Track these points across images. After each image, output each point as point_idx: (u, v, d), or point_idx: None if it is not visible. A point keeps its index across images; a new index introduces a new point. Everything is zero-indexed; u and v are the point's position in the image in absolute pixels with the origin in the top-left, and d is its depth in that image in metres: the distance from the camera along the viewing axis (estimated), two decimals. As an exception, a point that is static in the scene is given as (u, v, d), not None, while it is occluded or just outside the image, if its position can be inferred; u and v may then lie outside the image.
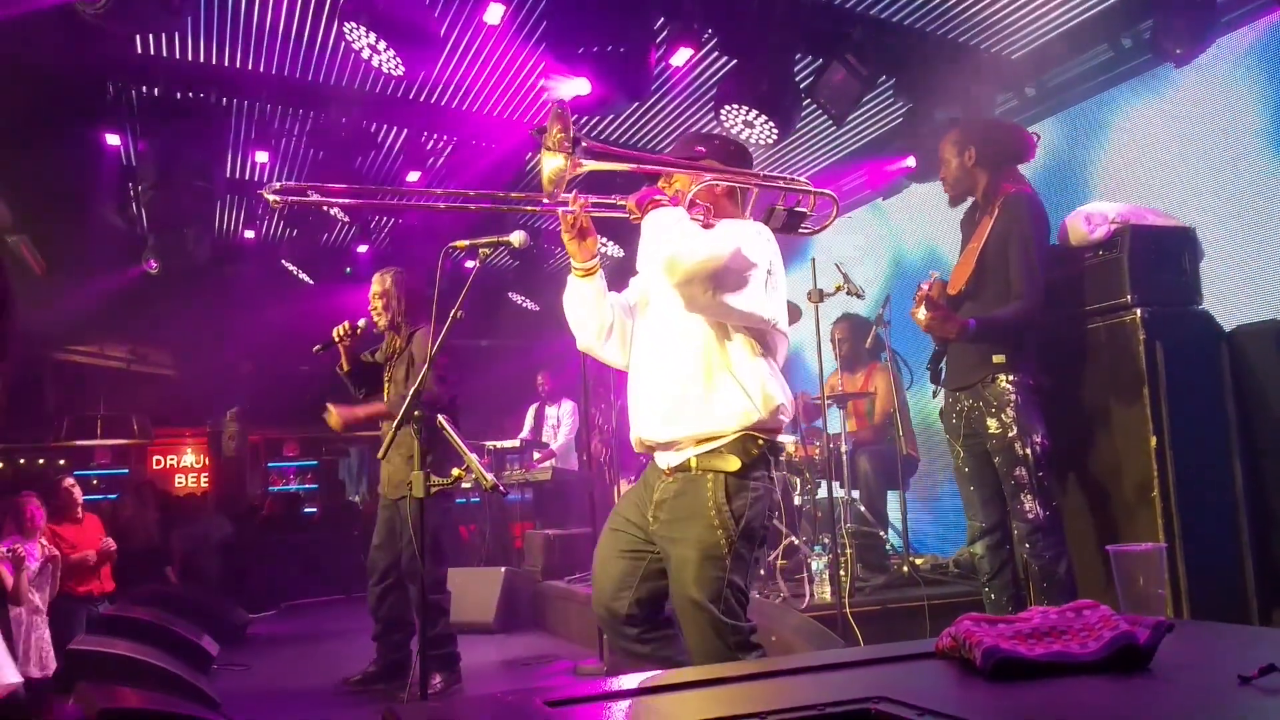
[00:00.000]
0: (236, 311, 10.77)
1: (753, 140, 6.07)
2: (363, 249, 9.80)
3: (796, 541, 5.71)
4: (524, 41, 6.21)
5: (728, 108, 5.91)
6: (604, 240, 7.97)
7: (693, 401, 2.64)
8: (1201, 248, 4.19)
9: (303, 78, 6.78)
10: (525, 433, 9.09)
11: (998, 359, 3.79)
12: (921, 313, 3.74)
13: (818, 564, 5.09)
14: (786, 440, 5.85)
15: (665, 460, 2.73)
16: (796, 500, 6.10)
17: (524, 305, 10.32)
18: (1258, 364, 4.00)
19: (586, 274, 2.81)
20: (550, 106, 2.57)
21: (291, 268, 9.65)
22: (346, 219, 8.71)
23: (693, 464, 2.65)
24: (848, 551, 5.21)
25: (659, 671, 2.40)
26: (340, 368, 5.17)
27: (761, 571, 5.38)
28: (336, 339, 5.03)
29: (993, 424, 3.79)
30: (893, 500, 5.92)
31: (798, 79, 6.07)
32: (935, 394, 4.22)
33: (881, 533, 5.75)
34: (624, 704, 1.56)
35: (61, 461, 13.13)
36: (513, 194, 3.02)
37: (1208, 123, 5.53)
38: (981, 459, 3.92)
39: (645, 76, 5.57)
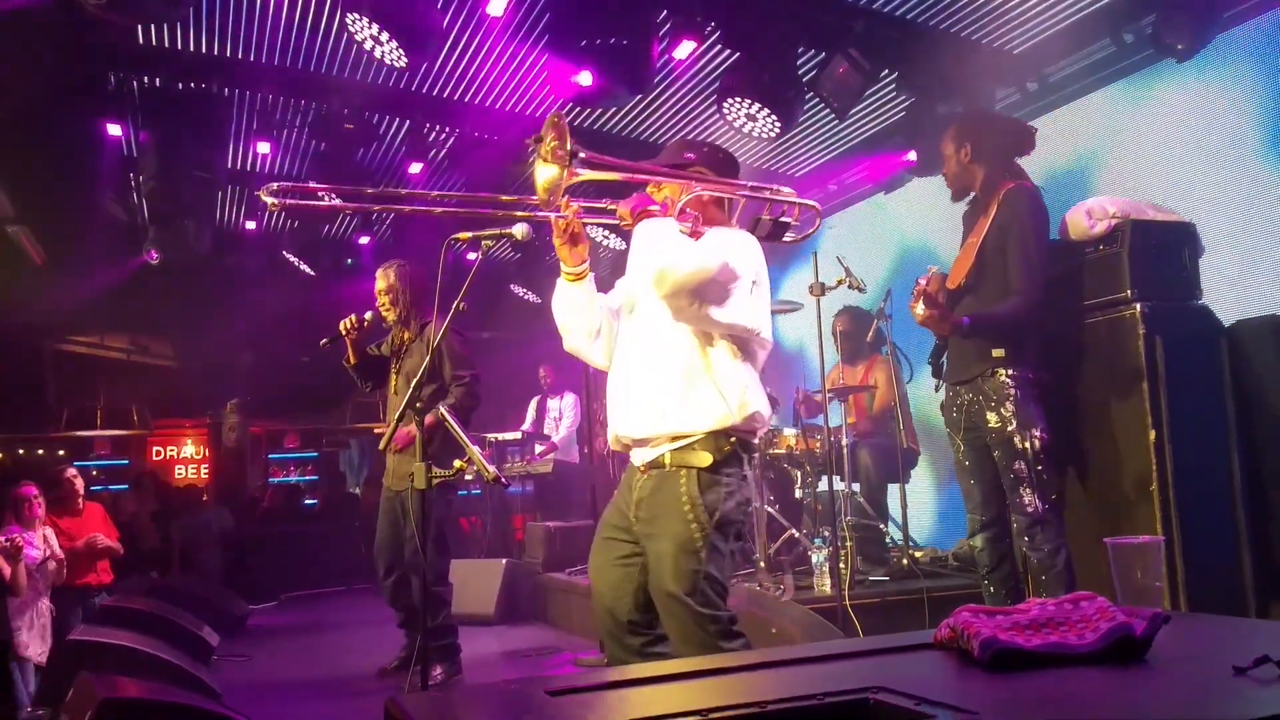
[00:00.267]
0: (237, 302, 10.78)
1: (755, 134, 6.07)
2: (364, 240, 9.80)
3: (797, 534, 5.73)
4: (527, 33, 6.21)
5: (730, 101, 5.91)
6: (606, 233, 8.00)
7: (671, 402, 2.71)
8: (1202, 243, 4.20)
9: (305, 69, 6.78)
10: (527, 425, 9.10)
11: (997, 353, 3.80)
12: (920, 307, 3.75)
13: (818, 557, 5.11)
14: (788, 433, 5.92)
15: (640, 457, 2.80)
16: (797, 493, 6.12)
17: (526, 298, 10.32)
18: (1257, 359, 4.01)
19: (577, 278, 2.87)
20: (547, 115, 2.59)
21: (293, 259, 9.65)
22: (348, 210, 8.72)
23: (667, 460, 2.72)
24: (848, 544, 5.23)
25: (660, 663, 2.42)
26: (346, 361, 5.18)
27: (762, 565, 5.40)
28: (343, 332, 5.03)
29: (992, 418, 3.80)
30: (893, 493, 5.93)
31: (800, 72, 6.07)
32: (937, 388, 4.23)
33: (881, 526, 5.76)
34: (624, 694, 1.58)
35: (61, 452, 13.14)
36: (503, 197, 3.05)
37: (1209, 118, 5.52)
38: (981, 453, 3.93)
39: (648, 69, 5.57)
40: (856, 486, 5.87)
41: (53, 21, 5.42)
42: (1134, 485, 3.91)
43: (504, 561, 7.33)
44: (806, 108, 6.45)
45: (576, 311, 2.90)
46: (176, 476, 13.93)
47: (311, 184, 3.53)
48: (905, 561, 5.40)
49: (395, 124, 7.66)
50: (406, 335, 5.17)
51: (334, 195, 3.07)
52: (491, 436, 8.55)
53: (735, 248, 2.69)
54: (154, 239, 8.54)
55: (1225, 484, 3.96)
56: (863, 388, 6.14)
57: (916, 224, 7.67)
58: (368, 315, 5.08)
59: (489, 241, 3.12)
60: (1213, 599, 3.79)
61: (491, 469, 3.20)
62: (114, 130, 7.17)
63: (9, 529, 5.70)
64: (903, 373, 5.93)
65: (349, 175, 7.48)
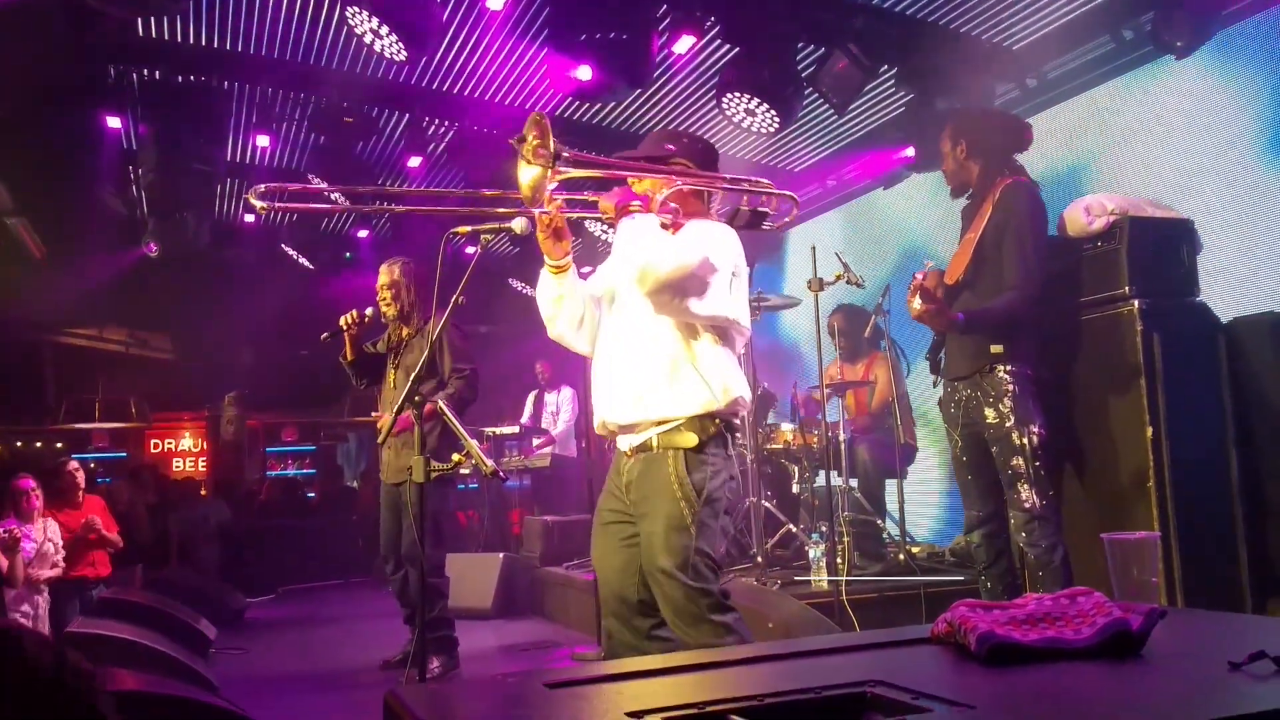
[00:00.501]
0: (236, 295, 10.76)
1: (754, 129, 6.07)
2: (363, 234, 9.80)
3: (794, 529, 5.74)
4: (526, 27, 6.21)
5: (729, 96, 5.91)
6: (605, 228, 7.99)
7: (657, 390, 2.80)
8: (1200, 239, 4.20)
9: (304, 62, 6.78)
10: (524, 419, 9.11)
11: (995, 349, 3.80)
12: (917, 302, 3.75)
13: (815, 552, 5.11)
14: (786, 429, 5.93)
15: (627, 442, 2.89)
16: (795, 489, 6.12)
17: (524, 291, 10.32)
18: (1254, 356, 4.01)
19: (560, 270, 2.93)
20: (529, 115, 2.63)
21: (292, 252, 9.65)
22: (337, 211, 8.72)
23: (653, 443, 2.81)
24: (845, 539, 5.23)
25: (657, 656, 2.43)
26: (344, 357, 5.18)
27: (759, 559, 5.41)
28: (344, 327, 5.03)
29: (990, 414, 3.80)
30: (890, 489, 5.94)
31: (800, 68, 6.06)
32: (936, 384, 4.23)
33: (879, 521, 5.77)
34: (622, 686, 1.58)
35: (59, 444, 13.12)
36: (486, 192, 3.10)
37: (1208, 115, 5.52)
38: (979, 448, 3.94)
39: (647, 64, 5.57)
40: (854, 482, 5.88)
41: (53, 14, 5.41)
42: (1131, 481, 3.91)
43: (501, 556, 7.33)
44: (806, 103, 6.45)
45: (560, 303, 2.97)
46: (174, 469, 13.91)
47: (295, 184, 3.55)
48: (902, 557, 5.41)
49: (395, 118, 7.66)
50: (405, 331, 5.17)
51: (322, 196, 3.09)
52: (489, 431, 8.55)
53: (715, 241, 2.77)
54: (153, 232, 8.54)
55: (1222, 480, 3.97)
56: (862, 383, 6.15)
57: (915, 220, 7.67)
58: (368, 311, 5.08)
59: (488, 235, 3.13)
60: (1209, 595, 3.80)
61: (489, 462, 3.21)
62: (113, 123, 7.17)
63: (6, 521, 5.70)
64: (902, 368, 5.93)
65: (348, 169, 7.49)
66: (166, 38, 6.43)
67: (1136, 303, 3.93)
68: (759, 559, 5.41)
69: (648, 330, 2.83)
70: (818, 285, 5.04)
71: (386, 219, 9.83)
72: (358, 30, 5.34)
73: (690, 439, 2.76)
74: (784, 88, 5.82)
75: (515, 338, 10.52)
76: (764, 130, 6.05)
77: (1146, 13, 5.55)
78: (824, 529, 5.22)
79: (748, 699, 1.40)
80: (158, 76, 6.84)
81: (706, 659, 1.78)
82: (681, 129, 7.46)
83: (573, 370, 8.01)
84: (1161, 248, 4.07)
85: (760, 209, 2.89)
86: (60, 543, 6.00)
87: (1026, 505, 3.74)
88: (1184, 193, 5.46)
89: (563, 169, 2.58)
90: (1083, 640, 1.58)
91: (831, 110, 6.33)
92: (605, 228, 8.03)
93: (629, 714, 1.34)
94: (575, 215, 2.96)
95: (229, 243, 10.06)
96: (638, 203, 2.78)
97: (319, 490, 13.42)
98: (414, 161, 7.68)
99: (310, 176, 8.04)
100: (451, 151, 7.70)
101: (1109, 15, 5.76)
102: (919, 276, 3.80)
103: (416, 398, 3.19)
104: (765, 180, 2.94)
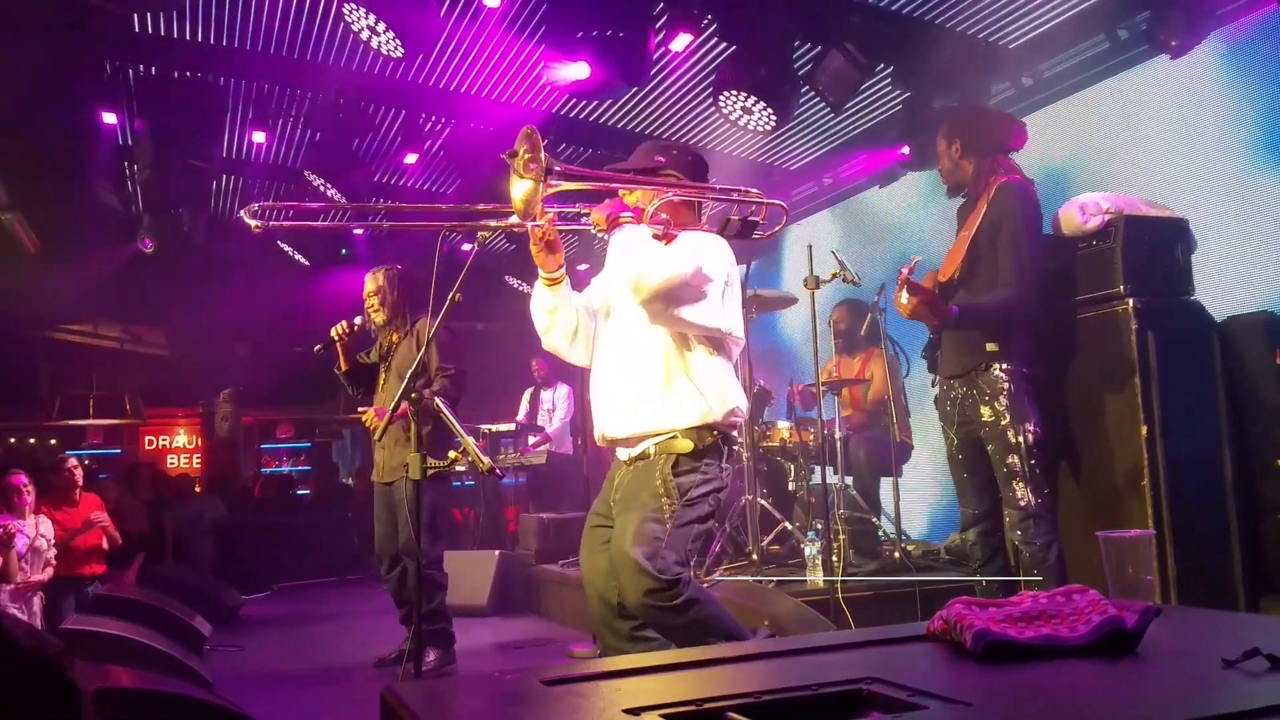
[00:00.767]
0: (231, 292, 10.73)
1: (751, 127, 6.07)
2: (359, 230, 9.78)
3: (790, 527, 5.74)
4: (523, 25, 6.20)
5: (726, 94, 5.91)
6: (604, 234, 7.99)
7: (654, 402, 2.83)
8: (1194, 239, 4.22)
9: (301, 58, 6.76)
10: (520, 416, 9.11)
11: (991, 348, 3.81)
12: (904, 297, 3.76)
13: (810, 549, 5.12)
14: (781, 426, 5.93)
15: (625, 453, 2.93)
16: (790, 486, 6.12)
17: (520, 289, 10.32)
18: (1248, 355, 4.03)
19: (554, 283, 2.96)
20: (541, 111, 2.66)
21: (287, 248, 9.63)
22: (328, 229, 8.71)
23: (651, 452, 2.85)
24: (840, 537, 5.24)
25: (654, 653, 2.43)
26: (338, 368, 5.16)
27: (755, 557, 5.41)
28: (336, 338, 5.01)
29: (986, 412, 3.81)
30: (885, 486, 5.95)
31: (796, 66, 6.07)
32: (933, 382, 4.24)
33: (874, 519, 5.77)
34: (620, 683, 1.58)
35: (53, 441, 13.09)
36: (480, 206, 3.13)
37: (1202, 114, 5.53)
38: (975, 446, 3.95)
39: (644, 62, 5.57)
40: (850, 480, 5.88)
41: (49, 9, 5.39)
42: (1126, 479, 3.92)
43: (497, 553, 7.33)
44: (802, 101, 6.46)
45: (554, 315, 3.00)
46: (169, 466, 13.88)
47: (288, 203, 3.58)
48: (898, 555, 5.41)
49: (391, 114, 7.65)
50: (395, 336, 5.15)
51: (314, 215, 3.12)
52: (485, 428, 8.55)
53: (707, 252, 2.79)
54: (148, 227, 8.53)
55: (1216, 478, 3.98)
56: (858, 381, 6.15)
57: (910, 218, 7.67)
58: (357, 320, 5.05)
59: (485, 233, 3.13)
60: (1203, 593, 3.81)
61: (486, 459, 3.22)
62: (109, 119, 7.15)
63: (0, 518, 5.70)
64: (899, 366, 5.94)
65: (344, 165, 7.48)
66: (163, 33, 6.41)
67: (1131, 301, 3.94)
68: (754, 556, 5.41)
69: (643, 342, 2.86)
70: (814, 283, 5.04)
71: (383, 217, 9.81)
72: (355, 27, 5.34)
73: (686, 445, 2.80)
74: (781, 86, 5.82)
75: (511, 335, 10.52)
76: (760, 128, 6.06)
77: (1141, 12, 5.56)
78: (819, 527, 5.22)
79: (745, 696, 1.40)
80: (154, 72, 6.83)
81: (704, 656, 1.78)
82: (678, 127, 7.47)
83: (569, 367, 7.98)
84: (1156, 247, 4.08)
85: (750, 218, 2.91)
86: (52, 539, 5.99)
87: (1022, 503, 3.75)
88: (1178, 192, 5.47)
89: (554, 182, 2.60)
90: (1078, 638, 1.58)
91: (828, 108, 6.33)
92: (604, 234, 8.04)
93: (626, 711, 1.35)
94: (567, 228, 2.98)
95: (224, 239, 10.02)
96: (629, 214, 2.82)
97: (314, 487, 13.40)
98: (410, 158, 7.67)
99: (306, 173, 8.03)
100: (448, 148, 7.69)
101: (1104, 14, 5.77)
102: (905, 271, 3.80)
103: (413, 394, 3.19)
104: (755, 190, 2.97)
